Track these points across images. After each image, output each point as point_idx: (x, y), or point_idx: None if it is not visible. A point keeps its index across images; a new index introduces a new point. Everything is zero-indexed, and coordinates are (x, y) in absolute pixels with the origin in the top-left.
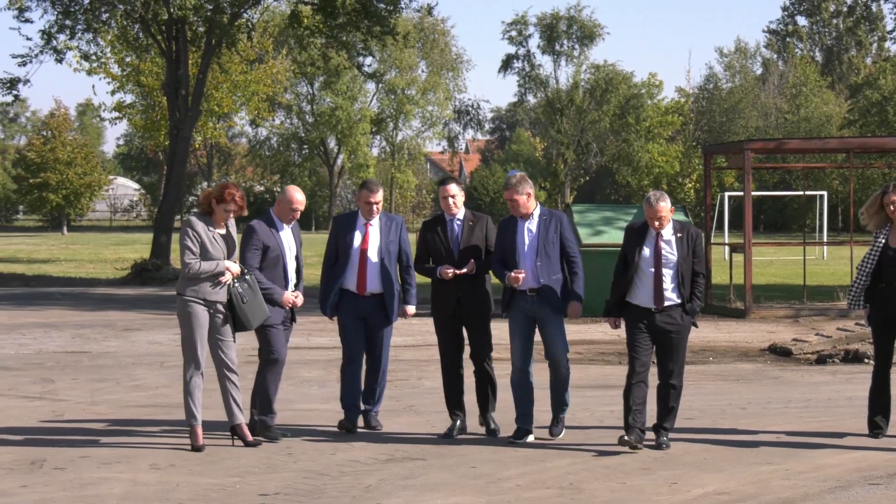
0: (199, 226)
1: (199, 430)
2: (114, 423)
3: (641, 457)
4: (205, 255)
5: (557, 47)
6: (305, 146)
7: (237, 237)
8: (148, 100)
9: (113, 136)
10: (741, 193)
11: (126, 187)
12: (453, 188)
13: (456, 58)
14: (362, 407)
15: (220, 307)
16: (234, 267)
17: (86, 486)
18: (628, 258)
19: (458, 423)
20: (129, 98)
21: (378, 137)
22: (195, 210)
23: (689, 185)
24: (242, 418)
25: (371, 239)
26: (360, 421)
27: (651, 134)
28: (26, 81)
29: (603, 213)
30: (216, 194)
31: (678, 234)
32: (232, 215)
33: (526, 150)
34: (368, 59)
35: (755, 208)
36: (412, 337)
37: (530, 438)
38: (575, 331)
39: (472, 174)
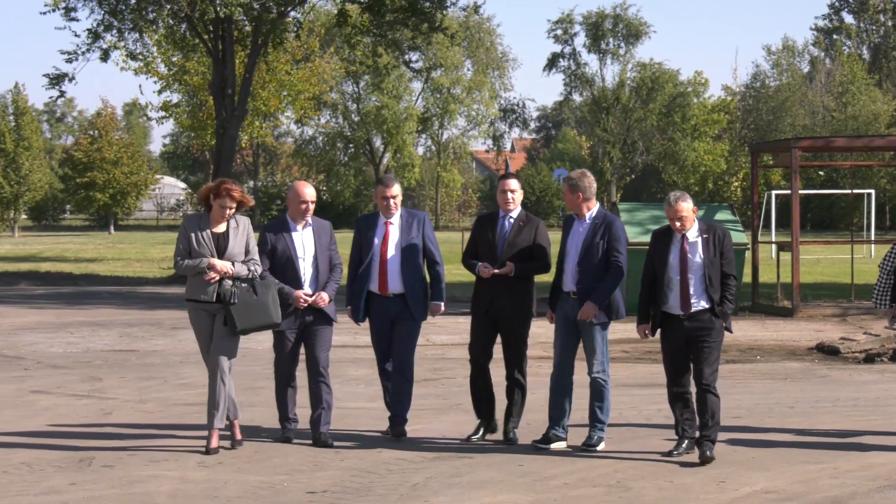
0: (190, 224)
1: (237, 428)
2: (161, 421)
3: (689, 455)
4: (191, 253)
5: (603, 45)
6: (351, 145)
7: (244, 239)
8: (194, 99)
9: (159, 135)
10: (788, 192)
11: (172, 186)
12: (513, 183)
13: (501, 56)
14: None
15: (216, 306)
16: (221, 264)
17: (134, 483)
18: (656, 264)
19: (483, 427)
20: (175, 97)
21: (424, 136)
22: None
23: (736, 183)
24: (217, 423)
25: (391, 238)
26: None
27: (697, 132)
28: (72, 78)
29: (650, 211)
30: (213, 190)
31: (704, 236)
32: (229, 211)
33: (572, 148)
34: (415, 55)
35: (802, 207)
36: (459, 335)
37: (557, 445)
38: (622, 329)
39: (518, 173)
